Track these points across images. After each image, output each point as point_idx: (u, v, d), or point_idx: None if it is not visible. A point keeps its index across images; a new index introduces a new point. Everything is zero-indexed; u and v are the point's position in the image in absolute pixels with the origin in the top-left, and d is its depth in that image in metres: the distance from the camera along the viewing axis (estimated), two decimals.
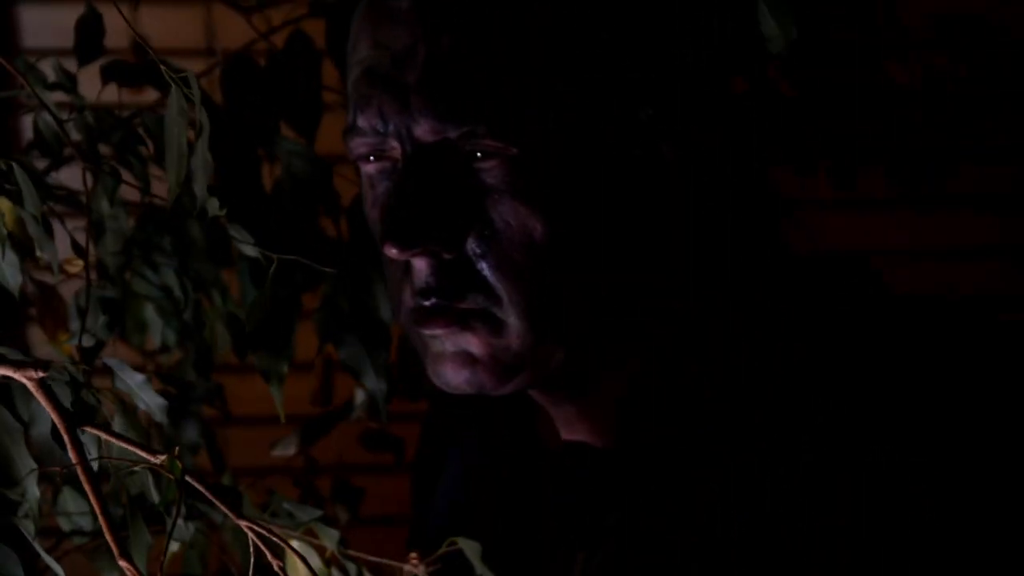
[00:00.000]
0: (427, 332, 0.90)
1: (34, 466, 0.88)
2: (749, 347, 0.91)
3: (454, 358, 0.90)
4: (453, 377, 0.90)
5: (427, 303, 0.89)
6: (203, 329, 1.15)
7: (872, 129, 1.19)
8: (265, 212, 1.17)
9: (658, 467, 0.92)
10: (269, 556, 0.72)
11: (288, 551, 0.76)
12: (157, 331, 1.15)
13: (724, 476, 0.89)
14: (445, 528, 1.01)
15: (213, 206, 0.88)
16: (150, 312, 1.15)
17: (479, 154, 0.87)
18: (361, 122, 0.90)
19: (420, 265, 0.89)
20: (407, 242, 0.87)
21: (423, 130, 0.87)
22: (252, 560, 0.76)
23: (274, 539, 0.74)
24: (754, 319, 0.92)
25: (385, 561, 0.84)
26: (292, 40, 1.21)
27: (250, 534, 0.76)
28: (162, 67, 0.88)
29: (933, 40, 1.23)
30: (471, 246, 0.87)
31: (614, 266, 0.90)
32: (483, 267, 0.87)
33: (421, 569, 0.86)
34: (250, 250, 0.91)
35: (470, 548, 0.87)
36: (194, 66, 1.15)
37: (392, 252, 0.87)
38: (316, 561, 0.82)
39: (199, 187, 0.89)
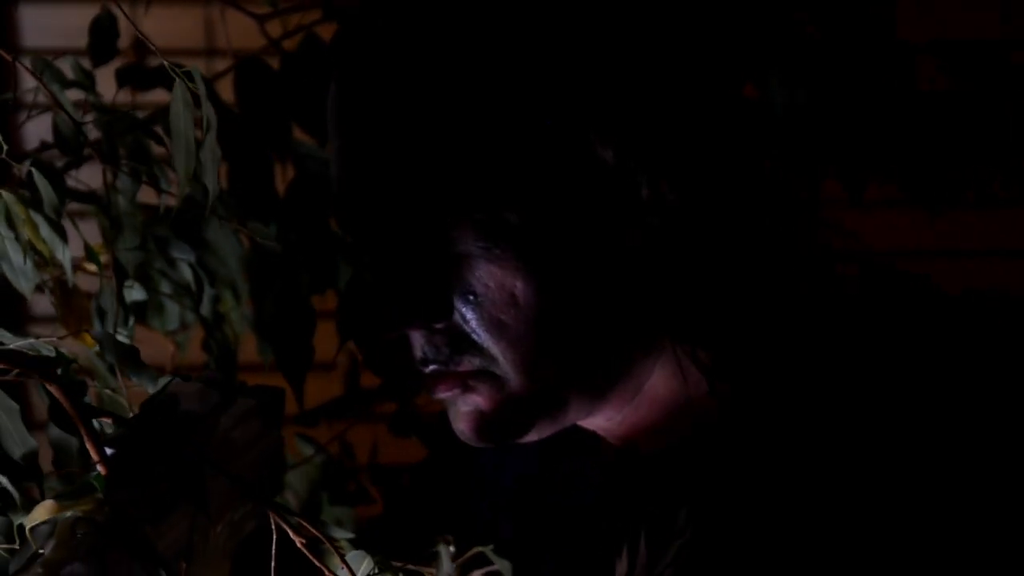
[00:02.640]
0: (435, 396, 0.92)
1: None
2: (798, 351, 0.91)
3: (468, 416, 0.92)
4: (471, 433, 0.92)
5: (427, 371, 0.91)
6: (222, 324, 1.15)
7: (883, 136, 1.19)
8: (278, 215, 1.18)
9: (712, 469, 0.91)
10: (314, 560, 0.72)
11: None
12: (174, 318, 1.15)
13: (782, 483, 0.88)
14: (494, 535, 1.02)
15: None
16: (168, 302, 1.15)
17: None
18: (338, 208, 0.92)
19: (413, 337, 0.91)
20: (395, 322, 0.89)
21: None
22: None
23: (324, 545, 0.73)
24: (799, 320, 0.91)
25: (422, 568, 0.84)
26: (305, 44, 1.21)
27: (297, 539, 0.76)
28: (165, 63, 0.89)
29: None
30: (458, 311, 0.88)
31: (610, 296, 0.90)
32: (472, 330, 0.88)
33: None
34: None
35: (503, 566, 0.87)
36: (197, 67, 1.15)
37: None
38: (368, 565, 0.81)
39: (210, 179, 0.90)
